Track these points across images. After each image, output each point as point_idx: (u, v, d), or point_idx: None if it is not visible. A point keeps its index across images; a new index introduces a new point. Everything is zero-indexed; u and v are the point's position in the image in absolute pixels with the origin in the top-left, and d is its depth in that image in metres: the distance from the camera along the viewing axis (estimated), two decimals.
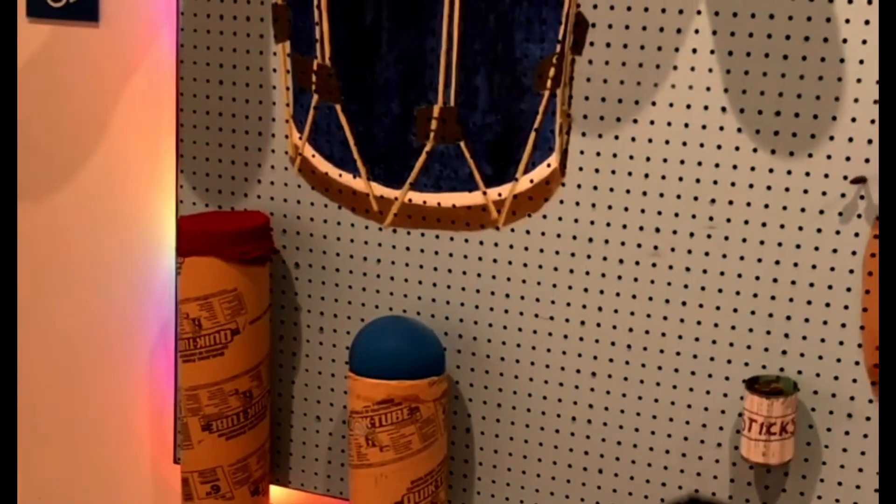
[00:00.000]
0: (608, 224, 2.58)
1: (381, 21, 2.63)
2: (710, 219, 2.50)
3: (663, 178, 2.51)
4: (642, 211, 2.54)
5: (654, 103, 2.48)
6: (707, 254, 2.51)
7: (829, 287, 2.44)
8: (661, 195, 2.52)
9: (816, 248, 2.43)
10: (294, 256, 2.88)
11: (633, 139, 2.51)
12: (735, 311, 2.51)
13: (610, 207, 2.57)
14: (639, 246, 2.56)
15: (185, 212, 2.95)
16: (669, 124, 2.48)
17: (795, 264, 2.45)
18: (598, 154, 2.55)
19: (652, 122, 2.49)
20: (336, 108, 2.71)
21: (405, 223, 2.75)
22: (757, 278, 2.49)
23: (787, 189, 2.43)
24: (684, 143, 2.47)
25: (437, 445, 2.68)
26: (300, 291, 2.88)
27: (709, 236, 2.51)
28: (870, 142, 2.33)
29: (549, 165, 2.60)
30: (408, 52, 2.62)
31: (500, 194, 2.66)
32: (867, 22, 2.28)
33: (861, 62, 2.31)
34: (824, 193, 2.40)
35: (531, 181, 2.63)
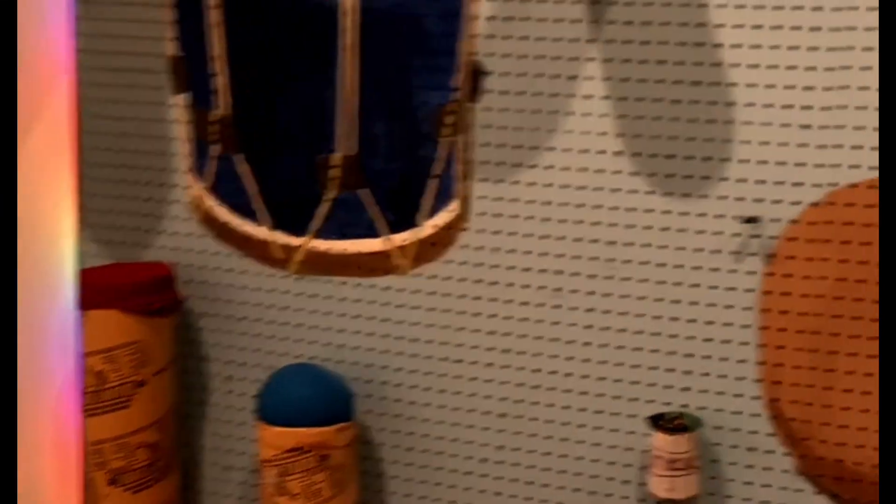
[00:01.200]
0: (511, 267, 2.60)
1: (279, 71, 2.63)
2: (611, 260, 2.54)
3: (563, 221, 2.54)
4: (544, 254, 2.58)
5: (551, 148, 2.51)
6: (608, 294, 2.56)
7: (727, 324, 2.49)
8: (562, 238, 2.55)
9: (713, 287, 2.48)
10: (199, 306, 2.86)
11: (533, 184, 2.55)
12: (638, 349, 2.55)
13: (513, 251, 2.60)
14: (542, 288, 2.60)
15: (87, 264, 2.91)
16: (567, 168, 2.51)
17: (694, 303, 2.50)
18: (499, 199, 2.58)
19: (550, 167, 2.52)
20: (237, 159, 2.70)
21: (310, 270, 2.74)
22: (657, 317, 2.53)
23: (682, 229, 2.47)
24: (582, 187, 2.51)
25: (348, 492, 2.67)
26: (206, 341, 2.86)
27: (609, 277, 2.55)
28: (761, 182, 2.40)
29: (451, 211, 2.61)
30: (307, 101, 2.62)
31: (403, 240, 2.66)
32: (754, 65, 2.34)
33: (750, 105, 2.37)
34: (719, 233, 2.45)
35: (434, 227, 2.63)
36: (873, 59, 2.27)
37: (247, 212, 2.80)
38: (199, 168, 2.79)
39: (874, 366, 2.44)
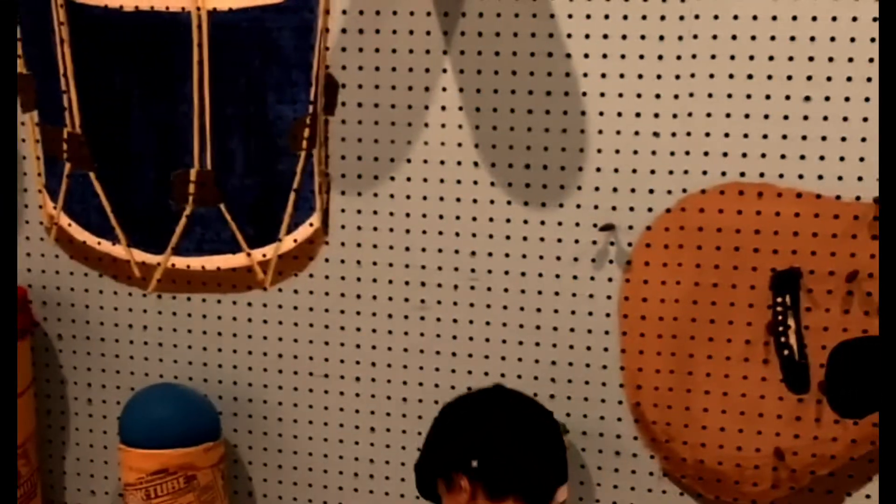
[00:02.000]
0: (374, 280, 2.58)
1: (130, 87, 2.57)
2: (473, 271, 2.53)
3: (424, 232, 2.53)
4: (406, 266, 2.56)
5: (409, 160, 2.50)
6: (472, 305, 2.55)
7: (589, 331, 2.51)
8: (424, 249, 2.54)
9: (574, 295, 2.50)
10: (56, 328, 2.78)
11: (392, 196, 2.53)
12: (503, 358, 2.55)
13: (375, 264, 2.58)
14: (406, 300, 2.58)
15: None
16: (426, 180, 2.50)
17: (556, 311, 2.51)
18: (359, 212, 2.55)
19: (409, 179, 2.51)
20: (90, 176, 2.64)
21: (170, 288, 2.69)
22: (521, 326, 2.54)
23: (542, 239, 2.48)
24: (441, 198, 2.50)
25: None
26: (65, 363, 2.79)
27: (472, 288, 2.54)
28: (615, 190, 2.41)
29: (311, 225, 2.59)
30: (160, 117, 2.57)
31: (264, 255, 2.63)
32: (604, 75, 2.35)
33: (601, 114, 2.38)
34: (577, 241, 2.46)
35: (295, 241, 2.61)
36: (718, 66, 2.31)
37: (103, 230, 2.75)
38: (51, 186, 2.72)
39: (730, 368, 2.48)
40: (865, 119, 2.28)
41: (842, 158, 2.30)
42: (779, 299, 2.40)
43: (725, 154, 2.35)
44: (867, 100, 2.27)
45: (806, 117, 2.30)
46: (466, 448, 2.07)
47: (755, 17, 2.28)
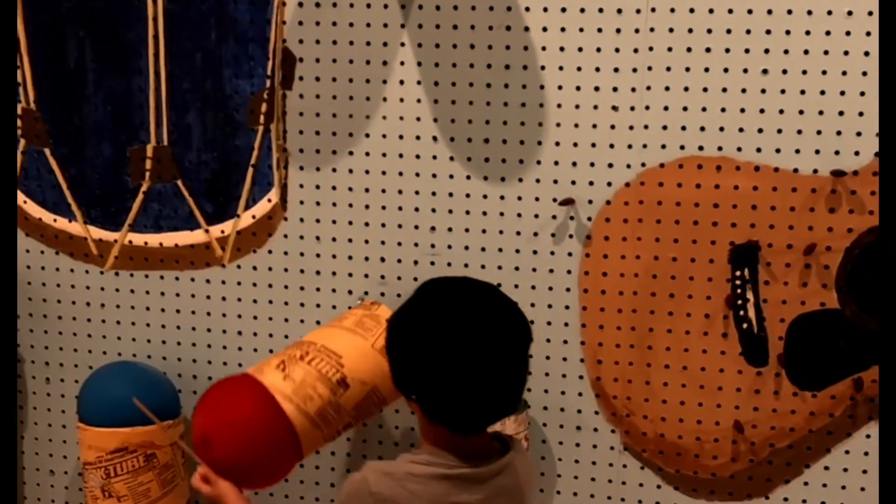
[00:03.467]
0: (334, 256, 2.56)
1: (84, 62, 2.53)
2: (432, 246, 2.52)
3: (384, 208, 2.51)
4: (366, 242, 2.54)
5: (367, 135, 2.48)
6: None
7: (549, 306, 2.50)
8: (383, 225, 2.52)
9: (534, 270, 2.49)
10: None
11: (351, 171, 2.51)
12: None
13: (334, 240, 2.56)
14: (366, 276, 2.56)
15: None
16: (384, 155, 2.48)
17: (516, 286, 2.50)
18: (318, 187, 2.54)
19: (367, 154, 2.49)
20: (45, 153, 2.61)
21: (127, 265, 2.67)
22: None
23: (501, 214, 2.47)
24: (400, 174, 2.49)
25: (177, 491, 2.60)
26: (22, 342, 2.75)
27: (432, 263, 2.53)
28: (574, 164, 2.40)
29: (269, 200, 2.56)
30: (115, 92, 2.54)
31: (222, 231, 2.61)
32: (562, 48, 2.34)
33: (560, 88, 2.37)
34: (536, 216, 2.45)
35: (253, 217, 2.59)
36: (675, 40, 2.30)
37: (59, 207, 2.72)
38: None
39: (690, 342, 2.49)
40: (822, 92, 2.28)
41: (799, 132, 2.30)
42: (737, 273, 2.41)
43: (684, 128, 2.34)
44: (824, 72, 2.27)
45: (763, 90, 2.30)
46: (406, 381, 1.98)
47: None
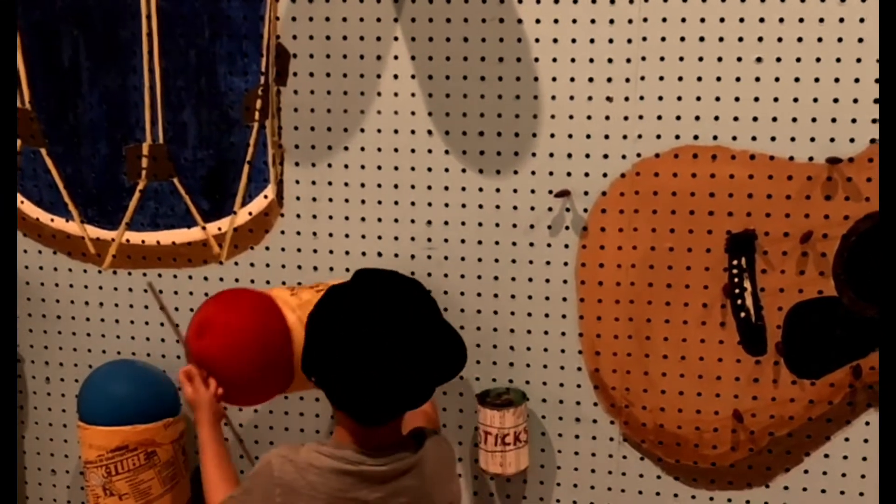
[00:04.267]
0: (331, 252, 2.56)
1: (79, 61, 2.53)
2: (429, 240, 2.52)
3: (380, 202, 2.51)
4: (362, 237, 2.54)
5: (362, 130, 2.48)
6: (430, 274, 2.54)
7: (547, 298, 2.50)
8: (380, 220, 2.52)
9: (531, 262, 2.49)
10: None
11: (346, 166, 2.51)
12: (462, 328, 2.54)
13: (331, 235, 2.56)
14: None
15: None
16: (380, 150, 2.48)
17: (513, 279, 2.50)
18: (314, 183, 2.54)
19: (363, 149, 2.49)
20: (41, 152, 2.61)
21: (125, 264, 2.67)
22: (479, 295, 2.53)
23: (497, 206, 2.47)
24: (396, 168, 2.48)
25: (179, 488, 2.61)
26: (21, 343, 2.75)
27: (429, 257, 2.53)
28: (570, 156, 2.40)
29: (266, 197, 2.56)
30: (110, 91, 2.54)
31: (219, 228, 2.61)
32: (555, 40, 2.34)
33: (554, 80, 2.37)
34: (532, 208, 2.45)
35: (250, 213, 2.59)
36: (669, 29, 2.30)
37: (55, 207, 2.72)
38: None
39: (688, 332, 2.48)
40: (817, 80, 2.27)
41: (794, 120, 2.30)
42: (734, 262, 2.40)
43: (678, 117, 2.34)
44: (818, 60, 2.26)
45: (758, 79, 2.29)
46: (310, 362, 2.02)
47: None
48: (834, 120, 2.28)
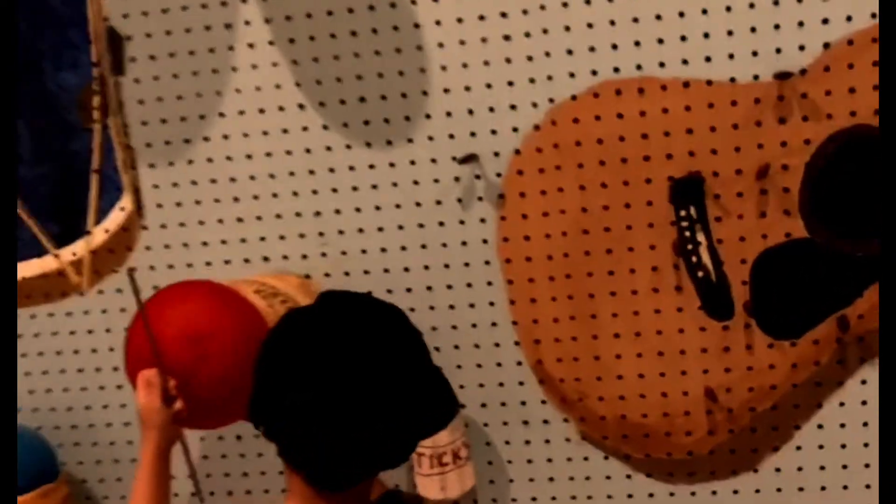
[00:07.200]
0: (208, 263, 2.19)
1: None
2: (321, 234, 2.15)
3: (256, 198, 2.14)
4: (242, 241, 2.17)
5: (222, 114, 2.11)
6: (327, 275, 2.17)
7: (469, 285, 2.14)
8: (259, 218, 2.15)
9: (444, 245, 2.13)
10: None
11: (210, 160, 2.13)
12: None
13: (205, 244, 2.18)
14: None
15: None
16: (246, 135, 2.11)
17: (426, 267, 2.14)
18: (176, 185, 2.16)
19: (226, 137, 2.12)
20: None
21: None
22: (389, 291, 2.16)
23: (394, 184, 2.10)
24: (269, 154, 2.11)
25: None
26: None
27: (324, 255, 2.16)
28: (470, 112, 2.03)
29: (122, 209, 2.19)
30: None
31: (74, 253, 2.24)
32: None
33: (438, 23, 2.00)
34: (436, 181, 2.09)
35: (106, 231, 2.21)
36: None
37: None
38: None
39: (639, 303, 2.13)
40: None
41: (730, 33, 1.94)
42: (682, 213, 2.05)
43: (592, 49, 1.98)
44: None
45: None
46: (257, 410, 1.55)
47: None
48: (777, 27, 1.93)
